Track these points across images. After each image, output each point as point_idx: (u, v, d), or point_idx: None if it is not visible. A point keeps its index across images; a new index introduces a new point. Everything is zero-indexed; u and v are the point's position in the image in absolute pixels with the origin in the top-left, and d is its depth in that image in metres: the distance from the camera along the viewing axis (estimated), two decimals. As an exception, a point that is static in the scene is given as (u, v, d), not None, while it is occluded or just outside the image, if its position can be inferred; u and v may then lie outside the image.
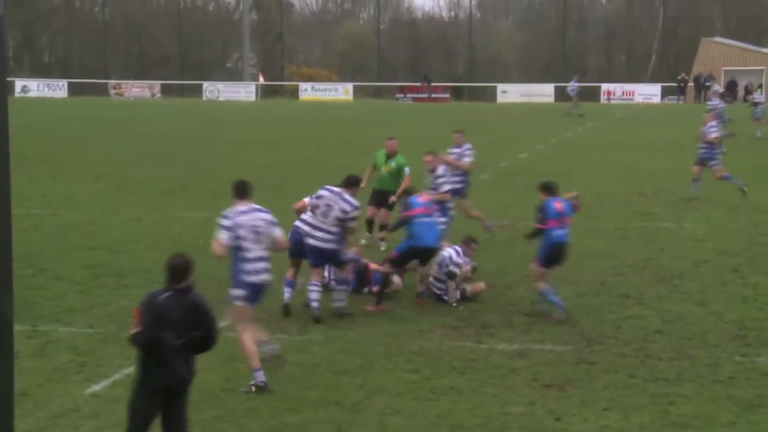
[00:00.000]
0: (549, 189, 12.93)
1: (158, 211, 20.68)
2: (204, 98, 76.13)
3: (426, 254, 13.33)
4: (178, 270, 7.59)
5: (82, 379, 10.22)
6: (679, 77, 71.34)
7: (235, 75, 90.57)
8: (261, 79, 79.97)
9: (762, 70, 71.66)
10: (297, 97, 76.86)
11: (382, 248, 16.26)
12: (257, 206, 10.47)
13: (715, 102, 36.85)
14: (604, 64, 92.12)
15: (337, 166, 21.33)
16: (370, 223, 17.22)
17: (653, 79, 79.46)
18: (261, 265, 10.24)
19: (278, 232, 10.44)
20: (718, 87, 44.94)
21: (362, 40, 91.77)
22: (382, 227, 16.65)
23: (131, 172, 27.29)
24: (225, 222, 10.28)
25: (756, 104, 41.61)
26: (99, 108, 61.33)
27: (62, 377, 10.35)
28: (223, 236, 10.22)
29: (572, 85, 57.95)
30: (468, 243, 13.90)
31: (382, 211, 17.02)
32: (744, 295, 13.91)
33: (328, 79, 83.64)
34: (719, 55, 73.10)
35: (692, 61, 74.26)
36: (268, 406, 9.50)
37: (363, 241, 16.49)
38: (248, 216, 10.27)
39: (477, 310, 13.03)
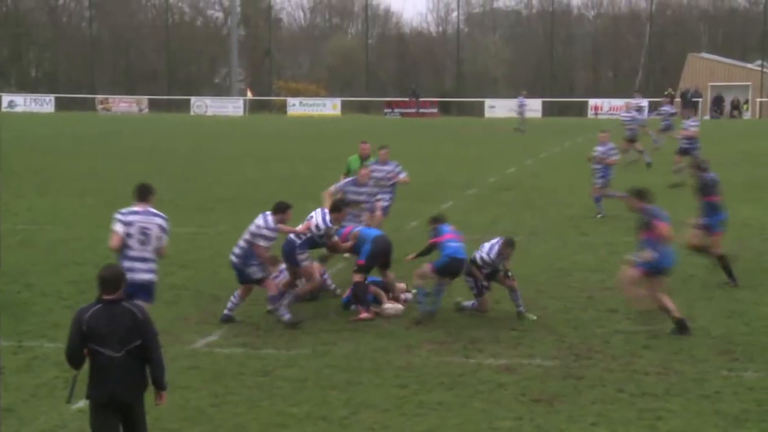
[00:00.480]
0: (438, 219, 13.98)
1: (146, 226, 20.60)
2: (192, 113, 76.05)
3: (387, 247, 13.76)
4: (109, 281, 7.57)
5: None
6: (666, 92, 71.63)
7: (223, 90, 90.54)
8: (249, 95, 80.00)
9: (748, 85, 72.13)
10: (285, 112, 76.87)
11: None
12: (154, 210, 11.00)
13: (631, 114, 34.37)
14: (592, 80, 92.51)
15: (326, 181, 21.28)
16: None
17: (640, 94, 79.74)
18: (141, 265, 10.70)
19: (165, 240, 10.93)
20: (641, 99, 40.56)
21: (350, 55, 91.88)
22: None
23: (119, 188, 27.17)
24: (119, 217, 10.90)
25: (671, 115, 37.05)
26: (86, 123, 61.22)
27: (48, 393, 10.30)
28: (118, 228, 10.81)
29: (520, 101, 56.69)
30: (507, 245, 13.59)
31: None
32: (731, 310, 13.95)
33: (316, 94, 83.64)
34: (705, 70, 73.57)
35: (679, 77, 74.68)
36: (256, 422, 9.48)
37: (346, 255, 16.37)
38: (141, 216, 10.86)
39: (465, 325, 13.02)
